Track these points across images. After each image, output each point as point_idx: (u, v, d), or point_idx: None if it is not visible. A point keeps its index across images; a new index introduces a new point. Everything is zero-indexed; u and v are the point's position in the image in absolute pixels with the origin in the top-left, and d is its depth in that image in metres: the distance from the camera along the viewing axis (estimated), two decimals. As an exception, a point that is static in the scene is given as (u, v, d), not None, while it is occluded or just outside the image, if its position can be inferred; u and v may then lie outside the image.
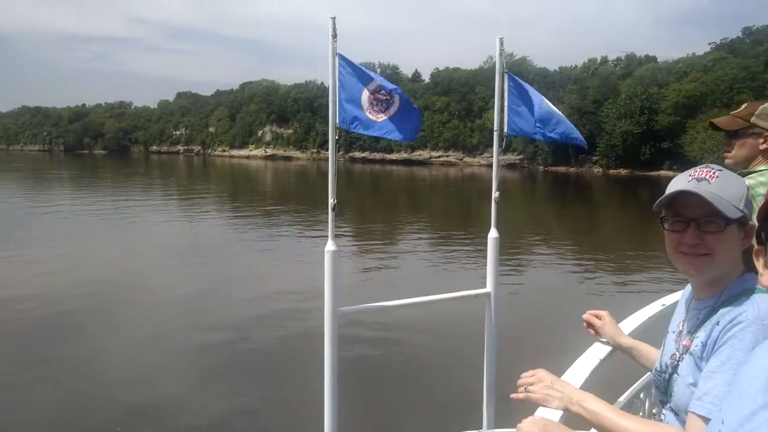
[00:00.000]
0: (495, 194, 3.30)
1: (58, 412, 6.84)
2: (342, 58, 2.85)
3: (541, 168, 76.26)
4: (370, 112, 2.89)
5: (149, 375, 8.02)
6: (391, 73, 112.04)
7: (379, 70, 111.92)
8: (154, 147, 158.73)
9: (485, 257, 3.39)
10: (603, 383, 2.09)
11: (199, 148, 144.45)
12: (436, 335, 9.32)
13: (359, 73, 2.86)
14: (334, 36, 2.79)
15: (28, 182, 48.39)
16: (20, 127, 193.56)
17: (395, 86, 2.90)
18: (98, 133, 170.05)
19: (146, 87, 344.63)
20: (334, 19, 2.76)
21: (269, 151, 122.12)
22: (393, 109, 2.92)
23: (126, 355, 8.65)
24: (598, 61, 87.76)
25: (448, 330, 9.23)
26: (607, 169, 69.47)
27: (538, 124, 3.21)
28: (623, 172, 66.83)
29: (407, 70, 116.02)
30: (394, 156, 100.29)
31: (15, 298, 11.39)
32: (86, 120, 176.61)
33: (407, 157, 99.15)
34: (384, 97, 2.89)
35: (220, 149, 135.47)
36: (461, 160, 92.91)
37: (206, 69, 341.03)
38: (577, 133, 3.22)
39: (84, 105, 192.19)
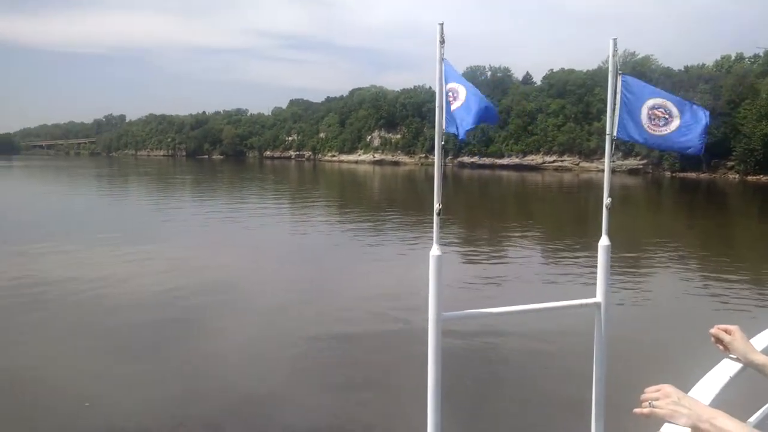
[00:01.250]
0: (606, 200, 3.24)
1: (169, 399, 7.43)
2: (447, 64, 2.93)
3: (667, 174, 71.70)
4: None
5: (254, 370, 8.42)
6: (502, 76, 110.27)
7: (489, 74, 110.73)
8: (268, 152, 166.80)
9: (597, 266, 3.32)
10: (732, 402, 1.99)
11: (310, 153, 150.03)
12: (542, 345, 9.10)
13: (459, 79, 2.93)
14: (442, 42, 2.88)
15: (155, 185, 52.73)
16: (147, 134, 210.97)
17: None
18: (216, 139, 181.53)
19: (261, 95, 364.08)
20: (442, 25, 2.84)
21: (377, 156, 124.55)
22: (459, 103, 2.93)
23: (234, 350, 9.20)
24: (733, 58, 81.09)
25: (554, 340, 8.99)
26: (744, 175, 63.98)
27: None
28: (764, 178, 61.29)
29: (518, 73, 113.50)
30: (504, 161, 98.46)
31: (134, 293, 12.54)
32: (206, 127, 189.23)
33: (519, 162, 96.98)
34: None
35: (329, 154, 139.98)
36: (577, 165, 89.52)
37: (317, 77, 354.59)
38: (694, 141, 3.05)
39: (204, 113, 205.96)
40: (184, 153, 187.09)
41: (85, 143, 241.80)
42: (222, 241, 20.03)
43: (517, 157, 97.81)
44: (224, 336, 9.87)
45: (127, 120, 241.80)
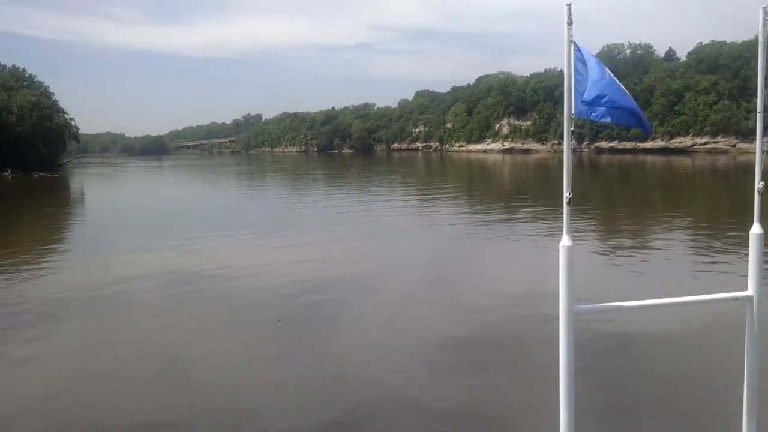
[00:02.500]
0: (759, 185, 3.00)
1: (299, 384, 7.76)
2: (576, 46, 2.86)
3: None
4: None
5: (380, 359, 8.58)
6: (643, 53, 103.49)
7: (628, 51, 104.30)
8: (395, 145, 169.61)
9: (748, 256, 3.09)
10: None
11: (437, 144, 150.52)
12: (686, 341, 8.52)
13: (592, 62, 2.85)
14: (570, 23, 2.82)
15: (291, 181, 55.71)
16: (281, 132, 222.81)
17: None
18: (346, 133, 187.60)
19: (387, 88, 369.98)
20: (569, 5, 2.78)
21: (507, 145, 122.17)
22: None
23: (362, 340, 9.45)
24: None
25: (700, 335, 8.38)
26: None
27: None
28: None
29: (660, 49, 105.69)
30: (648, 144, 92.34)
31: (272, 283, 13.28)
32: (336, 122, 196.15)
33: (664, 145, 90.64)
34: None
35: (457, 144, 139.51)
36: (733, 146, 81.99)
37: (442, 67, 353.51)
38: None
39: (333, 108, 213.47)
40: (315, 148, 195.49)
41: (226, 142, 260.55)
42: (352, 233, 20.74)
43: (662, 139, 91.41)
44: (359, 327, 10.11)
45: (263, 119, 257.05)
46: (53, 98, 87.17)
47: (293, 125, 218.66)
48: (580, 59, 2.86)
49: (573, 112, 2.90)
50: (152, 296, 12.36)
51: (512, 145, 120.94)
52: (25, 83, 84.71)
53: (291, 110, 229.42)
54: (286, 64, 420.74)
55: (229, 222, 24.25)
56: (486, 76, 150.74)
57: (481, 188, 42.24)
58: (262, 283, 13.17)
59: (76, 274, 14.76)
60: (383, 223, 23.47)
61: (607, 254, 15.71)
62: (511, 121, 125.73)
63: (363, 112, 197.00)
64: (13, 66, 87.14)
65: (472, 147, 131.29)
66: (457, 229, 20.87)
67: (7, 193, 46.82)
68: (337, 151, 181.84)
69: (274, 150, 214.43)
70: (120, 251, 17.53)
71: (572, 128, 2.95)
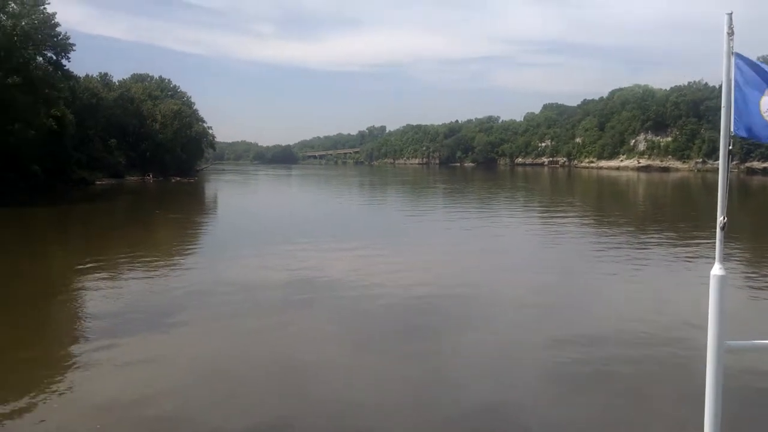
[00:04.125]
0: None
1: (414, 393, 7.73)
2: (739, 57, 2.65)
3: None
4: None
5: (498, 374, 8.49)
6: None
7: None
8: (519, 159, 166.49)
9: None
10: None
11: (564, 159, 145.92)
12: None
13: (762, 74, 2.61)
14: (730, 33, 2.63)
15: (413, 194, 56.36)
16: (404, 143, 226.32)
17: None
18: (468, 146, 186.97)
19: (512, 101, 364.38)
20: (730, 15, 2.60)
21: (643, 162, 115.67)
22: None
23: (479, 354, 9.35)
24: None
25: None
26: None
27: None
28: None
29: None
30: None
31: (385, 291, 13.41)
32: (458, 135, 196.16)
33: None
34: None
35: (586, 160, 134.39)
36: None
37: (571, 80, 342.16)
38: None
39: (457, 121, 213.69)
40: (437, 161, 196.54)
41: (351, 153, 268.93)
42: (472, 248, 20.51)
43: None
44: (469, 340, 10.10)
45: (387, 131, 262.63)
46: (193, 108, 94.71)
47: (416, 137, 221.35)
48: (744, 71, 2.64)
49: (732, 129, 2.68)
50: (273, 301, 12.85)
51: (649, 162, 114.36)
52: (169, 93, 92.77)
53: (414, 122, 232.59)
54: (411, 77, 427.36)
55: (351, 232, 24.93)
56: (620, 89, 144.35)
57: (613, 208, 40.23)
58: (377, 294, 13.31)
59: (201, 274, 15.81)
60: (504, 239, 23.10)
61: (757, 287, 14.34)
62: (649, 136, 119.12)
63: (487, 125, 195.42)
64: (160, 77, 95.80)
65: (604, 163, 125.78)
66: (583, 250, 20.00)
67: (147, 195, 51.38)
68: (458, 164, 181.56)
69: (396, 162, 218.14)
70: (242, 256, 18.48)
71: (730, 147, 2.74)
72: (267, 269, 16.20)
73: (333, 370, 8.73)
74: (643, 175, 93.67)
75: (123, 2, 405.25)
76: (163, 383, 8.16)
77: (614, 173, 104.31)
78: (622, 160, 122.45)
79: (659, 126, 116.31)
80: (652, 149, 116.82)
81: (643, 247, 20.73)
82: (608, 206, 41.72)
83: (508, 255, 19.36)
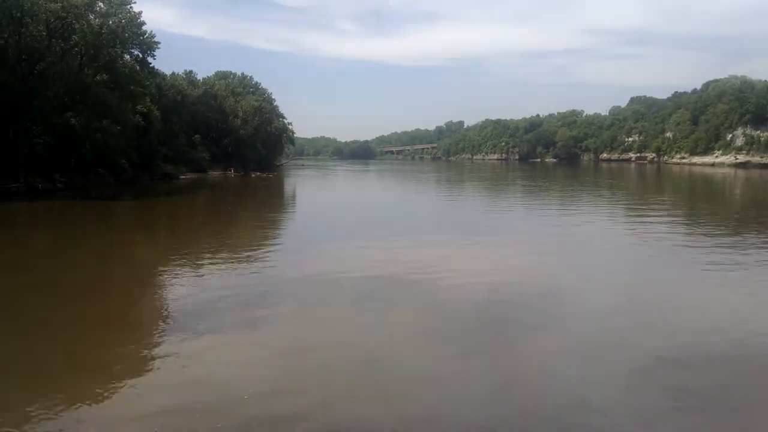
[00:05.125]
0: None
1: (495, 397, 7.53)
2: None
3: None
4: None
5: (578, 381, 8.12)
6: None
7: None
8: (604, 154, 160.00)
9: None
10: None
11: (653, 155, 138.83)
12: None
13: None
14: None
15: (492, 190, 54.77)
16: (483, 138, 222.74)
17: None
18: (550, 141, 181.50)
19: (596, 95, 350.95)
20: None
21: (741, 158, 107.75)
22: None
23: (557, 358, 9.02)
24: None
25: None
26: None
27: None
28: None
29: None
30: None
31: (464, 286, 12.67)
32: (539, 130, 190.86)
33: None
34: None
35: (677, 156, 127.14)
36: None
37: (660, 72, 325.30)
38: None
39: (538, 115, 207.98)
40: (516, 156, 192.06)
41: (428, 148, 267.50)
42: (552, 248, 19.06)
43: None
44: (550, 339, 9.84)
45: (465, 126, 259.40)
46: (274, 104, 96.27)
47: (495, 132, 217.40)
48: None
49: None
50: (355, 294, 12.81)
51: (748, 158, 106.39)
52: (251, 89, 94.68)
53: (493, 117, 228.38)
54: (490, 71, 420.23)
55: (431, 228, 24.18)
56: (715, 81, 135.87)
57: (709, 207, 37.08)
58: (457, 288, 13.14)
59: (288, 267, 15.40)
60: (586, 237, 21.71)
61: None
62: (748, 131, 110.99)
63: (570, 119, 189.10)
64: (242, 74, 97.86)
65: (697, 159, 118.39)
66: (675, 251, 18.13)
67: (229, 188, 52.26)
68: (539, 159, 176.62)
69: (474, 157, 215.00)
70: (323, 250, 18.09)
71: None
72: (347, 262, 15.98)
73: (409, 363, 8.75)
74: (741, 172, 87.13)
75: (210, 3, 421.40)
76: (254, 370, 8.35)
77: (708, 170, 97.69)
78: (717, 156, 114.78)
79: (759, 119, 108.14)
80: (751, 144, 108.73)
81: (741, 249, 18.50)
82: (705, 205, 38.48)
83: (590, 253, 17.96)
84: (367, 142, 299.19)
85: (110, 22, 40.27)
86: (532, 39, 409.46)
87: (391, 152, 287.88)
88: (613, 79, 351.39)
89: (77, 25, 37.68)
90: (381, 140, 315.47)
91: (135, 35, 43.22)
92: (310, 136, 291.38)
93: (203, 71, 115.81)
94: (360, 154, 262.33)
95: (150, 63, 47.99)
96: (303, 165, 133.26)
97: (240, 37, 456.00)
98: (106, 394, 7.51)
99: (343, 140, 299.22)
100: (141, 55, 45.79)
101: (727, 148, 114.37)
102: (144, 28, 43.76)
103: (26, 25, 35.65)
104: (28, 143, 37.45)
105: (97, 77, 42.09)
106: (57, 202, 33.34)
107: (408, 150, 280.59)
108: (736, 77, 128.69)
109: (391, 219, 28.19)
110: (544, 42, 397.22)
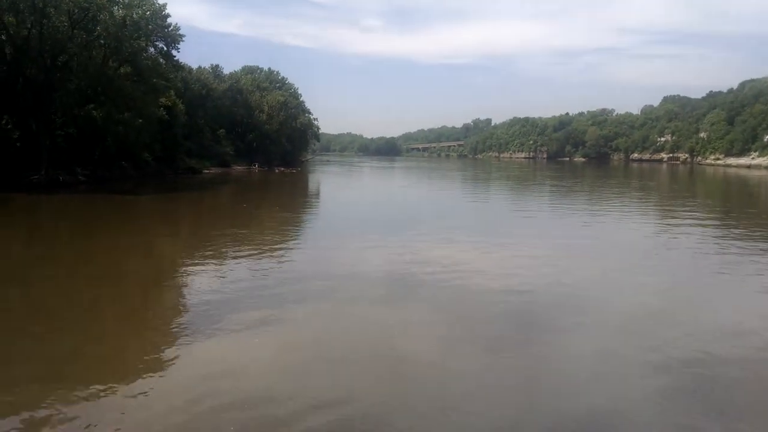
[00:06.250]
0: None
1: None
2: None
3: None
4: None
5: (594, 382, 8.00)
6: None
7: None
8: (635, 154, 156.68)
9: None
10: None
11: (686, 155, 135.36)
12: None
13: None
14: None
15: (519, 188, 53.35)
16: (510, 137, 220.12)
17: None
18: (579, 140, 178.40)
19: (628, 94, 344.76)
20: None
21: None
22: None
23: (578, 358, 8.84)
24: None
25: None
26: None
27: None
28: None
29: None
30: None
31: (488, 287, 12.44)
32: (568, 128, 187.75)
33: None
34: None
35: (712, 157, 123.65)
36: None
37: (694, 71, 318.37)
38: None
39: (567, 114, 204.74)
40: (544, 155, 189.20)
41: (454, 146, 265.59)
42: (569, 246, 17.91)
43: None
44: (571, 343, 9.54)
45: (492, 123, 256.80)
46: (300, 99, 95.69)
47: (523, 130, 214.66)
48: None
49: None
50: (381, 290, 12.64)
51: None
52: (278, 84, 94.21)
53: (521, 115, 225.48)
54: (519, 69, 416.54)
55: (457, 226, 23.31)
56: (752, 81, 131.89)
57: (745, 211, 35.17)
58: (485, 289, 12.84)
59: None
60: (620, 240, 20.57)
61: None
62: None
63: (600, 118, 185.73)
64: (269, 69, 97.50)
65: (732, 161, 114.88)
66: (707, 257, 16.87)
67: (253, 184, 51.63)
68: (567, 158, 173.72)
69: (501, 155, 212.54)
70: (347, 246, 17.89)
71: None
72: (372, 261, 15.52)
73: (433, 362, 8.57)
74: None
75: (241, 0, 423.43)
76: (273, 369, 8.19)
77: (744, 171, 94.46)
78: (753, 158, 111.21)
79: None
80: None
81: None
82: (740, 208, 36.56)
83: (618, 255, 17.20)
84: (393, 138, 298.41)
85: (134, 14, 39.71)
86: (562, 37, 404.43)
87: (417, 149, 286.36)
88: (645, 78, 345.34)
89: (100, 17, 37.09)
90: (407, 137, 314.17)
91: (159, 27, 42.65)
92: (336, 132, 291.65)
93: (232, 67, 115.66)
94: (386, 150, 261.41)
95: (174, 56, 47.53)
96: (328, 161, 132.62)
97: (270, 34, 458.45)
98: (125, 389, 7.40)
99: (369, 137, 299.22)
100: (165, 48, 45.27)
101: (765, 149, 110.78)
102: (169, 20, 43.24)
103: (49, 15, 35.20)
104: (51, 135, 37.11)
105: (121, 70, 41.65)
106: (76, 195, 32.97)
107: (434, 147, 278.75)
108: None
109: (419, 217, 27.28)
110: (574, 40, 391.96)
